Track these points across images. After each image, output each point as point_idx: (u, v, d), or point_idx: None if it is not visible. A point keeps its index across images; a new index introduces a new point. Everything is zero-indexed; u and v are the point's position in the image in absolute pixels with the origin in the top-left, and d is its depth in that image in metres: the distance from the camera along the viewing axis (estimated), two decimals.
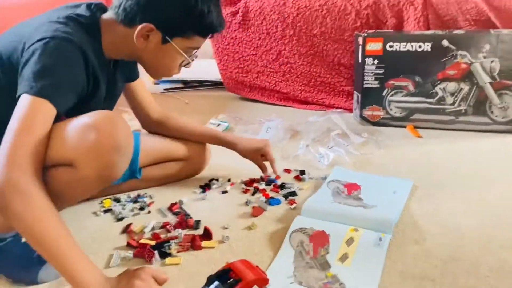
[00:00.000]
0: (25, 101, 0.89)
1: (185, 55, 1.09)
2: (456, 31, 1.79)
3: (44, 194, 0.85)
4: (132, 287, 0.85)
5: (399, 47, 1.80)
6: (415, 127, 1.82)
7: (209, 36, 1.11)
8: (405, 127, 1.83)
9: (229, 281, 0.81)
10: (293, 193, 1.33)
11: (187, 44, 1.08)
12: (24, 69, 0.93)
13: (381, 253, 1.04)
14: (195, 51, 1.13)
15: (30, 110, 0.89)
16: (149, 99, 1.38)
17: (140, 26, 1.02)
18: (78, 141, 0.91)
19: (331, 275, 0.99)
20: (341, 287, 0.96)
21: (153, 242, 1.11)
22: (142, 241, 1.11)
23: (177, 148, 1.40)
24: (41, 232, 0.82)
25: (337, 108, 2.03)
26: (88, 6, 1.07)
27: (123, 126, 0.95)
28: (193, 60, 1.14)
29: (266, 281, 0.84)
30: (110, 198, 1.31)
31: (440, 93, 1.81)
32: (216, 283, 0.82)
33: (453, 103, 1.80)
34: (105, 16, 1.07)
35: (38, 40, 0.94)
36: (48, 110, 0.90)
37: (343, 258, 1.04)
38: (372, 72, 1.84)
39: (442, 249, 1.06)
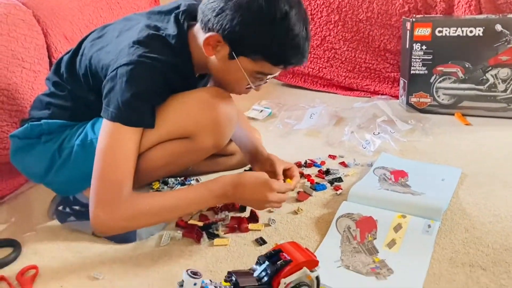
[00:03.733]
0: (109, 127, 0.98)
1: (247, 77, 1.02)
2: (511, 15, 1.71)
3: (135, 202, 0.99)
4: (265, 198, 1.03)
5: (449, 32, 1.74)
6: (464, 115, 1.76)
7: (280, 66, 1.02)
8: (453, 114, 1.78)
9: (279, 262, 0.82)
10: (339, 179, 1.32)
11: (253, 67, 1.01)
12: (111, 93, 0.98)
13: (430, 240, 1.03)
14: (267, 77, 1.06)
15: (114, 138, 0.97)
16: None
17: (207, 34, 0.99)
18: (198, 116, 1.02)
19: (378, 260, 0.99)
20: (389, 272, 0.96)
21: (200, 224, 1.14)
22: (190, 222, 1.15)
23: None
24: (160, 210, 1.01)
25: (382, 94, 1.99)
26: (176, 18, 1.04)
27: (232, 101, 1.07)
28: (258, 85, 1.08)
29: (316, 263, 0.84)
30: (158, 180, 1.35)
31: (491, 80, 1.74)
32: (266, 263, 0.83)
33: (505, 90, 1.73)
34: (194, 26, 1.05)
35: (124, 65, 0.96)
36: (131, 134, 0.98)
37: (391, 244, 1.04)
38: (419, 58, 1.79)
39: (494, 238, 1.03)
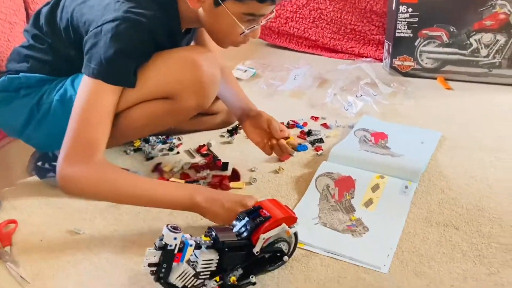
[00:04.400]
0: (89, 84, 0.94)
1: (237, 21, 0.97)
2: None
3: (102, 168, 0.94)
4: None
5: None
6: (446, 79, 1.78)
7: (268, 2, 0.95)
8: (435, 78, 1.79)
9: (258, 218, 0.84)
10: (320, 140, 1.34)
11: (241, 9, 0.95)
12: (93, 49, 0.93)
13: (406, 200, 1.06)
14: (260, 19, 0.99)
15: (93, 96, 0.93)
16: (213, 47, 1.20)
17: None
18: (181, 75, 0.99)
19: (355, 219, 1.02)
20: (365, 230, 0.98)
21: (182, 182, 1.14)
22: (172, 179, 1.15)
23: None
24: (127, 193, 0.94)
25: (366, 57, 1.99)
26: None
27: (216, 61, 1.04)
28: (252, 29, 1.00)
29: (294, 219, 0.86)
30: (139, 139, 1.34)
31: (475, 45, 1.75)
32: (246, 219, 0.84)
33: (488, 55, 1.74)
34: None
35: (110, 21, 0.92)
36: (111, 93, 0.94)
37: (368, 203, 1.06)
38: (405, 21, 1.78)
39: (468, 199, 1.06)
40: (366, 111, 1.51)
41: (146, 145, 1.33)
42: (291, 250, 0.89)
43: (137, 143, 1.32)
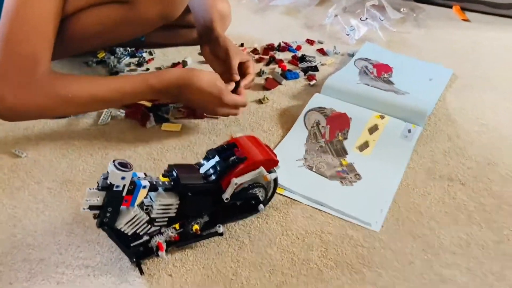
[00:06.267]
0: None
1: None
2: None
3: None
4: (215, 113, 0.89)
5: None
6: (463, 9, 1.57)
7: None
8: (451, 7, 1.58)
9: (231, 158, 0.68)
10: (314, 68, 1.16)
11: None
12: None
13: (408, 146, 0.91)
14: None
15: None
16: None
17: None
18: None
19: (346, 164, 0.87)
20: (356, 178, 0.84)
21: (149, 104, 0.97)
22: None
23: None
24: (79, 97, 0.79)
25: None
26: None
27: None
28: None
29: (275, 162, 0.71)
30: (104, 49, 1.14)
31: None
32: (217, 158, 0.69)
33: None
34: None
35: None
36: None
37: (363, 146, 0.91)
38: None
39: (478, 150, 0.92)
40: (370, 38, 1.32)
41: (112, 57, 1.13)
42: (268, 197, 0.74)
43: (101, 54, 1.13)
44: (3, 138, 0.88)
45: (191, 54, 1.19)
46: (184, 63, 1.13)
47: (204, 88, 0.84)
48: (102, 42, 0.96)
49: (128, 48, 1.16)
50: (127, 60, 1.14)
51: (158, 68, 1.13)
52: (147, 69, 1.11)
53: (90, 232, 0.71)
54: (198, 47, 1.13)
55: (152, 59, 1.16)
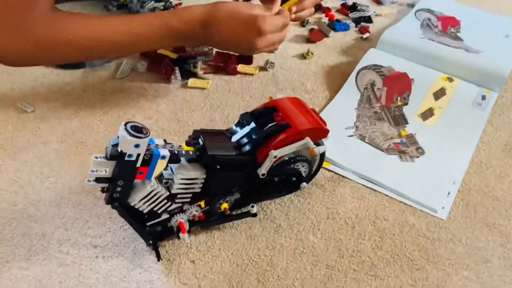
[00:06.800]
0: None
1: None
2: None
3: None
4: (255, 48, 0.68)
5: None
6: None
7: None
8: None
9: (271, 125, 0.55)
10: (368, 19, 0.99)
11: None
12: None
13: (481, 116, 0.75)
14: None
15: None
16: None
17: None
18: None
19: (406, 134, 0.73)
20: (418, 153, 0.70)
21: (174, 55, 0.84)
22: (160, 51, 0.84)
23: None
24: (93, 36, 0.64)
25: None
26: None
27: None
28: None
29: (324, 132, 0.58)
30: None
31: None
32: (252, 124, 0.56)
33: None
34: None
35: None
36: None
37: (427, 114, 0.76)
38: None
39: None
40: None
41: (134, 0, 0.99)
42: (312, 173, 0.61)
43: None
44: (9, 90, 0.78)
45: None
46: None
47: (235, 18, 0.67)
48: None
49: None
50: (151, 4, 0.99)
51: None
52: None
53: (100, 205, 0.60)
54: None
55: (180, 3, 1.01)
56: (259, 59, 0.86)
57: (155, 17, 0.67)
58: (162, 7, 0.99)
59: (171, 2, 1.00)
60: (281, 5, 0.72)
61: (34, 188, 0.62)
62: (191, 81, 0.80)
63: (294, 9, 0.74)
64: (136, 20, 0.66)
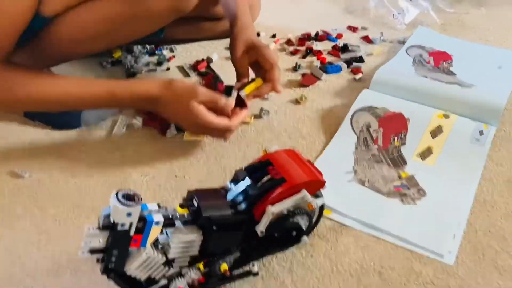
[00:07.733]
0: None
1: None
2: None
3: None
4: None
5: None
6: None
7: None
8: None
9: (265, 181, 0.54)
10: (359, 59, 1.00)
11: None
12: None
13: (481, 152, 0.75)
14: None
15: None
16: None
17: None
18: None
19: (406, 176, 0.72)
20: (420, 195, 0.68)
21: None
22: None
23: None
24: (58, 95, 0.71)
25: None
26: None
27: None
28: None
29: (321, 184, 0.57)
30: (120, 47, 1.02)
31: None
32: (248, 181, 0.55)
33: None
34: None
35: None
36: None
37: (425, 153, 0.75)
38: None
39: None
40: (422, 21, 1.17)
41: (128, 56, 1.01)
42: (312, 225, 0.60)
43: (117, 54, 1.01)
44: (5, 154, 0.78)
45: (216, 50, 1.05)
46: (209, 60, 1.00)
47: (177, 108, 0.71)
48: (109, 43, 0.82)
49: (147, 46, 1.04)
50: (145, 59, 1.01)
51: (180, 67, 1.00)
52: (168, 68, 0.99)
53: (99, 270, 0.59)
54: (225, 41, 0.99)
55: (173, 56, 1.03)
56: (253, 107, 0.86)
57: (104, 84, 0.73)
58: (156, 61, 1.00)
59: (164, 56, 1.01)
60: (241, 89, 0.77)
61: (31, 257, 0.61)
62: (187, 134, 0.80)
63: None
64: (84, 86, 0.72)
